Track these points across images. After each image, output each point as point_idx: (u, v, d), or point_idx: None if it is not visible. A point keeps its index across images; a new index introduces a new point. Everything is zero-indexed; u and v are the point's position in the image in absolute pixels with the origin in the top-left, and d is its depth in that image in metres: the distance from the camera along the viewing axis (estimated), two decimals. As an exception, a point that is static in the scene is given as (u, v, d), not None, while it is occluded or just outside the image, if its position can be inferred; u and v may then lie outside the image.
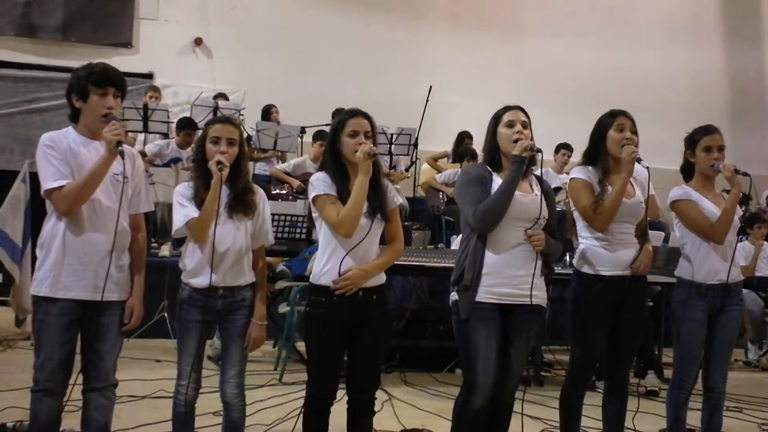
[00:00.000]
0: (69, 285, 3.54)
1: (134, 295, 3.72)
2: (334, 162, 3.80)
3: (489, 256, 3.79)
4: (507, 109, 3.92)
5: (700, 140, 4.47)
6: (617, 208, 4.17)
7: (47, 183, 3.51)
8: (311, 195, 3.77)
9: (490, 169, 3.91)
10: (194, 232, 3.79)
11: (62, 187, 3.48)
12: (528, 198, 3.86)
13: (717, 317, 4.44)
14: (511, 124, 3.86)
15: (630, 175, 4.19)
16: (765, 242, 9.00)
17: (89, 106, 3.57)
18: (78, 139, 3.60)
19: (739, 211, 4.62)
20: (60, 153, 3.53)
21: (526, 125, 3.88)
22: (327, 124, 10.24)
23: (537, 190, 3.93)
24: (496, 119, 3.91)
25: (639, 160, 4.17)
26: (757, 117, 14.45)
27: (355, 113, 3.81)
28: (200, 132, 9.57)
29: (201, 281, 3.79)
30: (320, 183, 3.76)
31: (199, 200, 3.78)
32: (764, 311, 8.43)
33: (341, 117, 3.82)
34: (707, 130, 4.49)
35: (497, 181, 3.85)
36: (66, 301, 3.53)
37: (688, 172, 4.61)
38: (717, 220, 4.37)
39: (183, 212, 3.80)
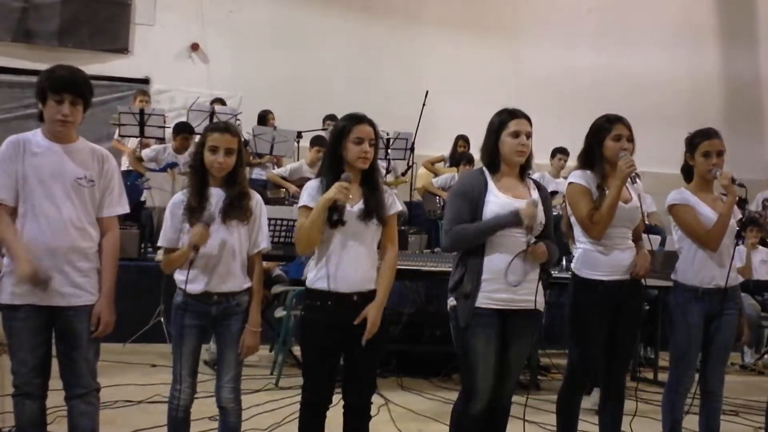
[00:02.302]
0: (32, 291, 3.51)
1: (101, 301, 3.63)
2: (334, 167, 3.79)
3: (489, 262, 3.79)
4: (514, 116, 3.88)
5: (700, 144, 4.45)
6: (612, 216, 4.17)
7: None
8: (300, 202, 3.81)
9: (488, 172, 3.91)
10: (163, 265, 3.87)
11: None
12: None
13: (714, 321, 4.43)
14: (516, 134, 3.85)
15: (624, 183, 4.17)
16: (760, 246, 9.02)
17: (47, 110, 3.55)
18: (42, 144, 3.58)
19: (738, 215, 4.63)
20: (11, 162, 3.52)
21: (529, 135, 3.88)
22: (323, 129, 10.28)
23: (535, 195, 3.93)
24: (501, 125, 3.88)
25: (634, 179, 4.15)
26: (753, 121, 14.51)
27: (361, 119, 3.79)
28: (197, 137, 9.64)
29: (195, 287, 3.78)
30: (306, 193, 3.78)
31: (189, 208, 3.77)
32: (760, 315, 8.44)
33: (347, 122, 3.79)
34: (707, 135, 4.47)
35: (491, 186, 3.85)
36: (28, 306, 3.52)
37: (688, 173, 4.60)
38: (712, 228, 4.37)
39: (163, 234, 3.87)
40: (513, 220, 3.75)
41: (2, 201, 3.52)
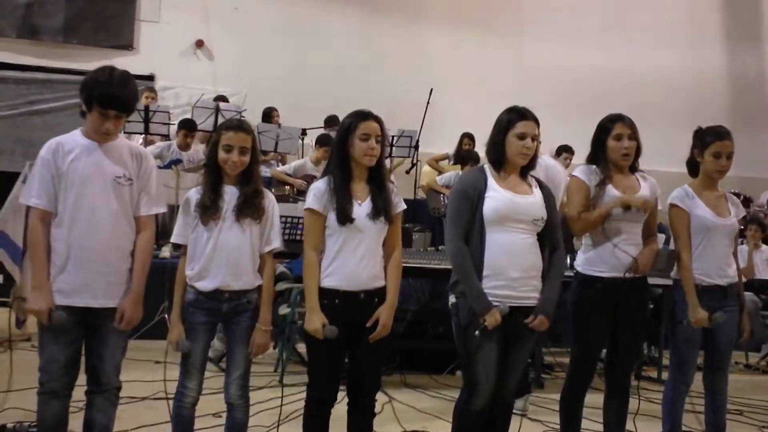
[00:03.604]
0: (67, 291, 3.54)
1: (128, 297, 3.65)
2: (341, 163, 3.80)
3: (489, 258, 3.78)
4: (522, 117, 3.87)
5: (711, 144, 4.40)
6: (594, 227, 4.22)
7: (27, 196, 3.58)
8: (305, 205, 3.82)
9: (492, 169, 3.91)
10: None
11: (36, 209, 3.54)
12: (527, 200, 3.86)
13: (715, 318, 4.43)
14: (522, 136, 3.84)
15: (612, 208, 4.19)
16: (764, 245, 9.00)
17: (91, 118, 3.57)
18: (82, 142, 3.61)
19: (742, 212, 4.62)
20: (52, 170, 3.54)
21: (535, 138, 3.87)
22: (329, 127, 10.27)
23: (537, 192, 3.93)
24: (509, 124, 3.86)
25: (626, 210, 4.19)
26: (758, 119, 14.44)
27: (367, 116, 3.80)
28: (199, 133, 9.64)
29: (206, 285, 3.79)
30: (311, 195, 3.79)
31: (202, 206, 3.79)
32: (760, 312, 8.38)
33: (353, 119, 3.80)
34: (719, 135, 4.42)
35: (492, 182, 3.86)
36: (63, 306, 3.54)
37: (693, 167, 4.58)
38: (684, 268, 4.37)
39: (176, 230, 3.88)
40: (477, 309, 3.74)
41: (38, 206, 3.55)
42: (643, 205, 4.18)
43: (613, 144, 4.25)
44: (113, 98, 3.51)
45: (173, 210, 8.04)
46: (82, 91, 3.55)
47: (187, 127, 9.40)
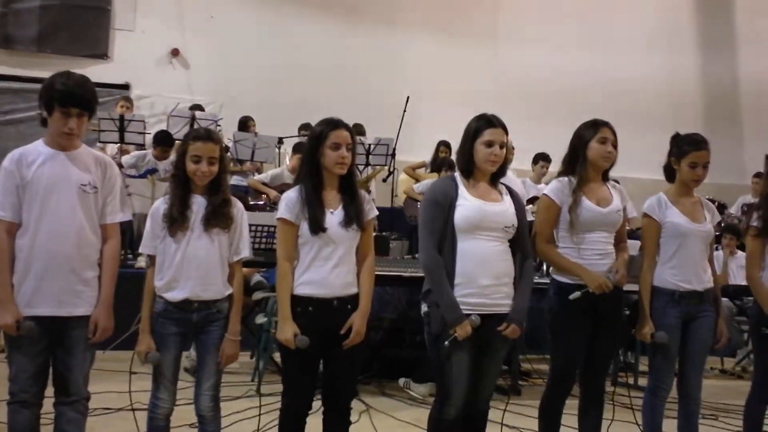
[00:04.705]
0: (32, 301, 3.51)
1: (99, 308, 3.64)
2: (312, 172, 3.79)
3: (460, 266, 3.79)
4: (490, 124, 3.87)
5: (688, 154, 4.44)
6: (552, 264, 4.32)
7: None
8: (277, 214, 3.81)
9: (462, 177, 3.92)
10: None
11: (1, 221, 3.50)
12: (497, 207, 3.87)
13: (690, 324, 4.46)
14: (490, 144, 3.85)
15: (568, 272, 4.26)
16: (739, 251, 9.06)
17: (53, 121, 3.54)
18: (45, 152, 3.58)
19: (717, 218, 4.65)
20: (16, 180, 3.51)
21: (503, 145, 3.88)
22: (303, 135, 10.27)
23: (507, 199, 3.94)
24: (477, 131, 3.88)
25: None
26: (732, 125, 14.60)
27: (337, 124, 3.80)
28: (177, 142, 9.58)
29: (175, 295, 3.77)
30: (284, 204, 3.78)
31: (170, 217, 3.76)
32: (734, 317, 8.44)
33: (323, 128, 3.80)
34: (697, 146, 4.45)
35: (462, 190, 3.86)
36: (31, 316, 3.50)
37: (670, 173, 4.60)
38: (642, 279, 4.45)
39: (144, 241, 3.86)
40: (449, 319, 3.74)
41: (3, 218, 3.52)
42: (608, 286, 4.19)
43: (596, 146, 4.25)
44: (73, 95, 3.49)
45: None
46: (42, 96, 3.53)
47: (165, 143, 9.33)
